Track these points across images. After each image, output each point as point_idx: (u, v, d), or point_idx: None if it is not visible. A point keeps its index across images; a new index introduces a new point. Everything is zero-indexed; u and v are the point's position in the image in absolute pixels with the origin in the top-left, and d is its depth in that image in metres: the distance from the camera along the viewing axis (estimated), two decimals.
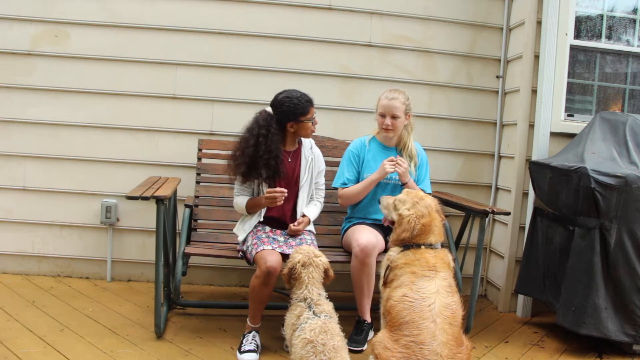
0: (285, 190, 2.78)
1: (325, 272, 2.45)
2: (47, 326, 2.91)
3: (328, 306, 2.37)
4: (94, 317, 3.08)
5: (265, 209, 2.93)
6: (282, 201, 2.80)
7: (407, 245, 2.51)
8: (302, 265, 2.41)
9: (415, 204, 2.55)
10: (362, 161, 3.16)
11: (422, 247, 2.49)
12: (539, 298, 3.29)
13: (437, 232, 2.56)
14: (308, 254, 2.44)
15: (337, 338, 2.21)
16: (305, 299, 2.36)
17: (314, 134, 3.43)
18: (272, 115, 2.87)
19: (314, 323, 2.23)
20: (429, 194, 3.26)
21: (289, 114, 2.86)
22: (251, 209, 2.91)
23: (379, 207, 3.10)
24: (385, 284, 2.51)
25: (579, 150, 3.14)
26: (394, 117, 3.06)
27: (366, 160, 3.15)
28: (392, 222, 2.66)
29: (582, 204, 2.92)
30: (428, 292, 2.34)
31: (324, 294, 2.43)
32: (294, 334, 2.27)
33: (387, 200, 2.72)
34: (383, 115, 3.08)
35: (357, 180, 3.17)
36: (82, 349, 2.68)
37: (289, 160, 2.98)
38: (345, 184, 3.16)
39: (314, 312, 2.30)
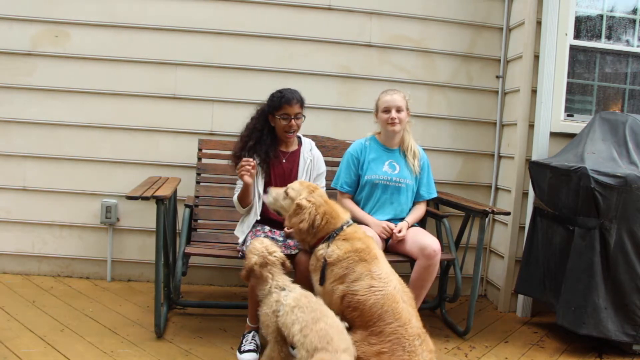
0: (252, 160, 2.80)
1: (282, 264, 2.49)
2: (47, 326, 2.91)
3: (298, 288, 2.44)
4: (94, 317, 3.09)
5: (260, 207, 2.95)
6: (249, 172, 2.80)
7: (328, 236, 2.57)
8: (260, 266, 2.45)
9: (312, 193, 2.63)
10: (362, 163, 3.16)
11: (344, 227, 2.59)
12: (539, 298, 3.29)
13: (342, 211, 2.69)
14: (262, 253, 2.46)
15: (315, 297, 2.34)
16: (277, 287, 2.42)
17: (314, 134, 3.44)
18: (265, 106, 3.04)
19: (292, 294, 2.35)
20: (434, 197, 3.28)
21: (268, 106, 2.98)
22: (242, 199, 2.94)
23: (379, 210, 3.13)
24: (323, 282, 2.52)
25: (579, 150, 3.14)
26: (398, 110, 3.08)
27: (367, 161, 3.15)
28: (278, 213, 2.75)
29: (582, 204, 2.92)
30: (385, 275, 2.46)
31: (290, 279, 2.48)
32: (278, 318, 2.32)
33: (276, 190, 2.75)
34: (387, 111, 3.09)
35: (355, 184, 3.17)
36: (82, 348, 2.68)
37: (284, 160, 3.01)
38: (343, 187, 3.17)
39: (288, 290, 2.40)
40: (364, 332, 2.37)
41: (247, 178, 2.81)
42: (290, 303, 2.30)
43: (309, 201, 2.59)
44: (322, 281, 2.51)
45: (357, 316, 2.40)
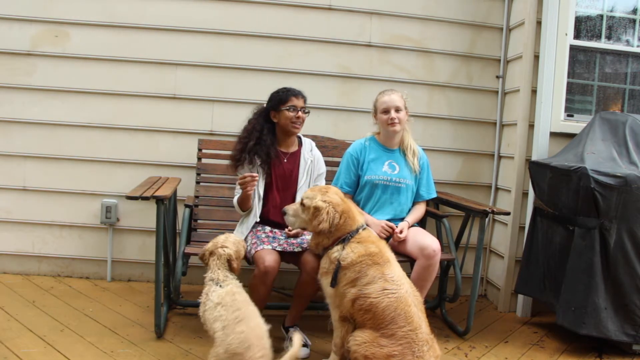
0: (256, 175, 2.80)
1: (229, 262, 2.49)
2: (47, 326, 2.91)
3: (235, 284, 2.44)
4: (94, 317, 3.09)
5: (260, 209, 2.95)
6: (252, 187, 2.82)
7: (343, 238, 2.55)
8: (210, 254, 2.51)
9: (325, 194, 2.60)
10: (361, 164, 3.15)
11: (360, 231, 2.58)
12: (539, 298, 3.29)
13: (358, 212, 2.68)
14: (216, 243, 2.52)
15: (245, 295, 2.32)
16: (212, 279, 2.45)
17: (314, 134, 3.44)
18: (263, 107, 3.05)
19: (219, 291, 2.36)
20: (434, 197, 3.28)
21: (273, 102, 2.99)
22: (242, 204, 2.95)
23: (379, 210, 3.12)
24: (335, 285, 2.49)
25: (579, 150, 3.14)
26: (397, 110, 3.08)
27: (366, 162, 3.15)
28: (303, 228, 2.69)
29: (582, 204, 2.92)
30: (398, 278, 2.46)
31: (233, 276, 2.48)
32: (205, 311, 2.34)
33: (292, 207, 2.69)
34: (386, 112, 3.09)
35: (355, 185, 3.17)
36: (82, 348, 2.69)
37: (285, 160, 3.01)
38: (343, 187, 3.16)
39: (220, 285, 2.40)
40: (375, 333, 2.36)
41: (250, 191, 2.83)
42: (215, 300, 2.32)
43: (324, 201, 2.57)
44: (333, 283, 2.49)
45: (369, 319, 2.39)
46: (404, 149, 3.19)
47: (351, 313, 2.46)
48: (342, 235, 2.57)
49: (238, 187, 3.00)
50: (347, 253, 2.50)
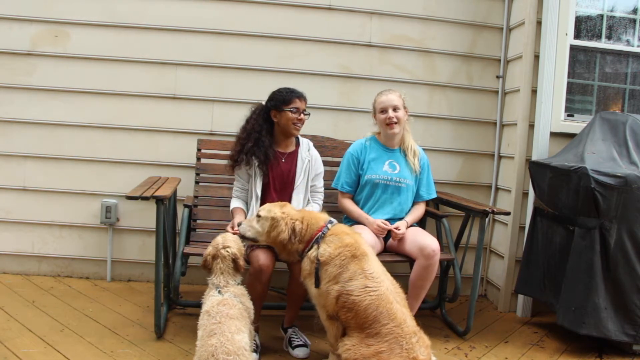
0: (237, 231, 2.74)
1: (234, 262, 2.47)
2: (47, 326, 2.91)
3: (237, 290, 2.42)
4: (94, 317, 3.09)
5: (257, 209, 2.95)
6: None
7: (316, 238, 2.54)
8: (212, 257, 2.47)
9: (283, 207, 2.63)
10: (362, 163, 3.15)
11: (329, 226, 2.57)
12: (539, 298, 3.29)
13: (320, 213, 2.68)
14: (217, 246, 2.48)
15: (234, 309, 2.27)
16: (214, 284, 2.44)
17: (314, 134, 3.44)
18: (262, 106, 3.04)
19: (214, 298, 2.33)
20: (434, 198, 3.28)
21: (275, 101, 2.98)
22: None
23: (379, 209, 3.12)
24: (319, 285, 2.48)
25: (579, 150, 3.14)
26: (395, 109, 3.08)
27: (367, 161, 3.15)
28: (255, 240, 2.65)
29: (582, 204, 2.92)
30: (378, 274, 2.45)
31: (234, 282, 2.46)
32: (200, 314, 2.33)
33: (248, 221, 2.70)
34: (384, 111, 3.09)
35: (356, 184, 3.17)
36: (82, 349, 2.68)
37: (283, 160, 3.02)
38: (343, 187, 3.17)
39: (219, 291, 2.38)
40: (360, 334, 2.36)
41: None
42: (206, 307, 2.30)
43: (283, 212, 2.60)
44: (317, 283, 2.48)
45: (351, 317, 2.39)
46: (404, 149, 3.19)
47: (335, 311, 2.45)
48: (313, 236, 2.56)
49: (236, 187, 3.01)
50: (324, 249, 2.50)
